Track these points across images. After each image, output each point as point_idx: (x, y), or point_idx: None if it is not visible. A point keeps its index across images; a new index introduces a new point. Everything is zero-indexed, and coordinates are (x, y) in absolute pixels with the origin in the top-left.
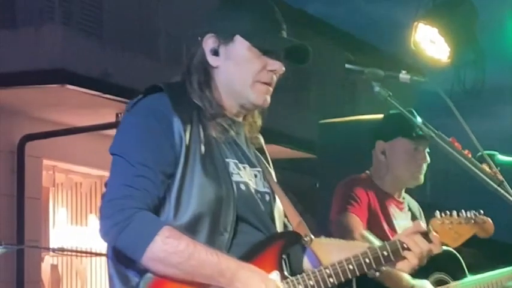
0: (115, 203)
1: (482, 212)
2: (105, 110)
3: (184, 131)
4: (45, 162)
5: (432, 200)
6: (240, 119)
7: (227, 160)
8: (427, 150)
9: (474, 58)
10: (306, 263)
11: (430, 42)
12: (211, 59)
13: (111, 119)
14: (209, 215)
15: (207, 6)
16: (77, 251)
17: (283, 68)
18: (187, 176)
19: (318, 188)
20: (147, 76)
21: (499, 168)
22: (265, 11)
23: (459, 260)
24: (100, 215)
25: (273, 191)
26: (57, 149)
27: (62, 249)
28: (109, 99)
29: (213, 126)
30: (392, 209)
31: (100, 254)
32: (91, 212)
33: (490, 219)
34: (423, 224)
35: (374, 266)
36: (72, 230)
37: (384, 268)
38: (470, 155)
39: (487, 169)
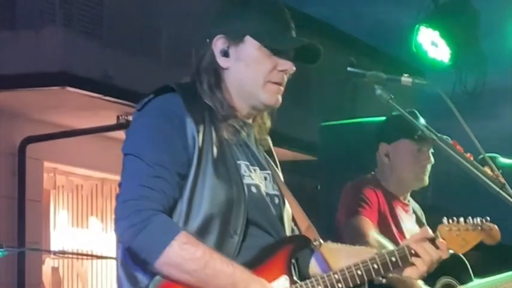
0: (131, 204)
1: (488, 218)
2: (106, 112)
3: (197, 132)
4: (46, 164)
5: (433, 202)
6: (250, 121)
7: (238, 162)
8: (431, 150)
9: (475, 60)
10: (315, 268)
11: (431, 44)
12: (221, 61)
13: (112, 121)
14: (220, 217)
15: (209, 8)
16: (77, 254)
17: (294, 68)
18: (199, 177)
19: (319, 190)
20: (148, 78)
21: (500, 171)
22: (274, 11)
23: (465, 263)
24: (115, 215)
25: (282, 194)
26: (58, 151)
27: (62, 252)
28: (110, 101)
29: (225, 128)
30: (399, 211)
31: (101, 257)
32: (92, 215)
33: (496, 226)
34: (430, 230)
35: (382, 271)
36: (73, 233)
37: (390, 274)
38: (472, 158)
39: (489, 172)
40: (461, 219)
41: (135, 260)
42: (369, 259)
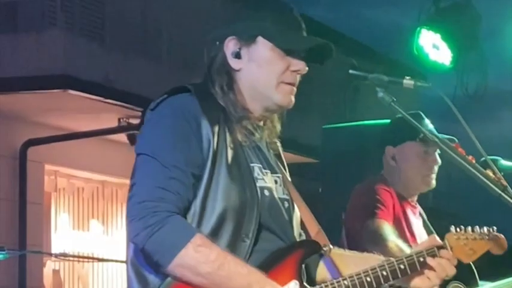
0: (147, 205)
1: (495, 228)
2: (107, 115)
3: (212, 133)
4: (47, 167)
5: (434, 204)
6: (261, 123)
7: (252, 165)
8: (438, 152)
9: (477, 63)
10: (325, 273)
11: (432, 47)
12: (233, 62)
13: (113, 124)
14: (232, 220)
15: (210, 12)
16: (79, 256)
17: (307, 68)
18: (213, 179)
19: (321, 193)
20: (149, 81)
21: (502, 173)
22: (285, 11)
23: (471, 267)
24: (129, 216)
25: (291, 198)
26: (59, 154)
27: (63, 255)
28: (111, 104)
29: (239, 130)
30: (410, 213)
31: (102, 259)
32: (93, 217)
33: (503, 236)
34: (438, 238)
35: (391, 278)
36: (74, 235)
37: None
38: (474, 161)
39: (491, 174)
40: (469, 228)
41: (146, 260)
42: (378, 266)
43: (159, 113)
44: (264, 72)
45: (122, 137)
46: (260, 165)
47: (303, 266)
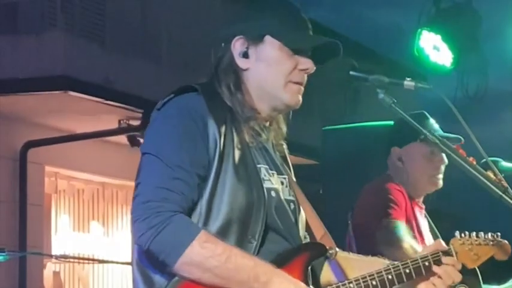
0: (151, 206)
1: (499, 234)
2: (108, 116)
3: (219, 133)
4: (47, 168)
5: (435, 206)
6: (268, 124)
7: (259, 166)
8: None
9: (477, 64)
10: (331, 276)
11: (433, 48)
12: (241, 62)
13: (114, 125)
14: (239, 221)
15: (210, 13)
16: (79, 258)
17: (314, 67)
18: (219, 180)
19: (322, 194)
20: (149, 82)
21: (503, 174)
22: (291, 10)
23: (476, 271)
24: (133, 216)
25: (297, 200)
26: (59, 155)
27: (64, 256)
28: (111, 105)
29: (246, 130)
30: (418, 214)
31: (102, 261)
32: (93, 219)
33: (507, 242)
34: (444, 243)
35: (396, 282)
36: (75, 237)
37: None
38: (474, 162)
39: (492, 176)
40: (473, 234)
41: (151, 261)
42: (384, 269)
43: (165, 113)
44: (272, 71)
45: (122, 138)
46: (267, 167)
47: (309, 268)
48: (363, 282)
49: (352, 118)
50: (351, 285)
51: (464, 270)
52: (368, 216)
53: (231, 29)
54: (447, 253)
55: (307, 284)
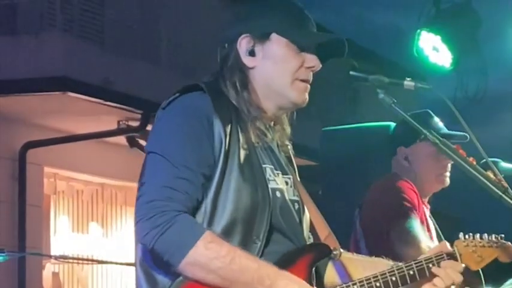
0: (156, 205)
1: (503, 236)
2: (107, 117)
3: (225, 133)
4: (47, 169)
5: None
6: (272, 124)
7: (264, 166)
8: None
9: (477, 65)
10: (335, 277)
11: (432, 49)
12: (247, 60)
13: (113, 126)
14: (243, 221)
15: (210, 14)
16: (78, 259)
17: (321, 65)
18: (224, 179)
19: (321, 195)
20: (149, 83)
21: (503, 175)
22: (295, 8)
23: (479, 272)
24: (137, 216)
25: (302, 200)
26: (58, 156)
27: (63, 257)
28: (110, 106)
29: (251, 130)
30: (426, 213)
31: (101, 262)
32: (92, 220)
33: (511, 244)
34: (449, 245)
35: (400, 284)
36: (74, 238)
37: None
38: (474, 163)
39: (492, 176)
40: (477, 236)
41: (155, 261)
42: (388, 271)
43: (170, 112)
44: (279, 69)
45: (122, 139)
46: (272, 167)
47: (313, 269)
48: (367, 283)
49: (352, 119)
50: (355, 286)
51: (467, 272)
52: (380, 215)
53: (236, 28)
54: (451, 255)
55: (311, 285)
